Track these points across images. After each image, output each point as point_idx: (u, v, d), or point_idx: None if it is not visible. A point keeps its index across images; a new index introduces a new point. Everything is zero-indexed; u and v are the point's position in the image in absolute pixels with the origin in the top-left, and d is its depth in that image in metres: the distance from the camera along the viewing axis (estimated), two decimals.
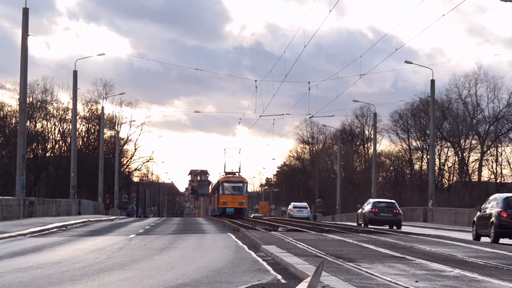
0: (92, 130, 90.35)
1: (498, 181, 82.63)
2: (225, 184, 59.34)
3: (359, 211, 43.60)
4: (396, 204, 42.40)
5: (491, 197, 26.30)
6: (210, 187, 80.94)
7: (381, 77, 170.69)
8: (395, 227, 39.59)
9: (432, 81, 53.11)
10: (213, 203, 68.10)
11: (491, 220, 24.82)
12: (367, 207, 42.22)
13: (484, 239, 25.74)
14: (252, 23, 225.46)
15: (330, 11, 31.07)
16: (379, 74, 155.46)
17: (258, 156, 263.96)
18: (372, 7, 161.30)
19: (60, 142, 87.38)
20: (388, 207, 41.52)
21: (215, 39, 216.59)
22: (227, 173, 62.58)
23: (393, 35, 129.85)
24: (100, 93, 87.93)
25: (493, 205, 25.34)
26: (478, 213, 26.62)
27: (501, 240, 24.88)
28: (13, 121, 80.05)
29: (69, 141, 79.47)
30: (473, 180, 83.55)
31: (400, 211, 41.69)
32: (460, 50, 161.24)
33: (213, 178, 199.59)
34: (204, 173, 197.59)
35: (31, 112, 79.94)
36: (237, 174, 62.31)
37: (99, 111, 79.99)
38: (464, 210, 48.63)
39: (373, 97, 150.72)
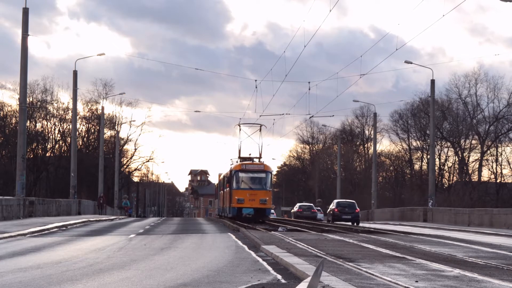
0: (92, 130, 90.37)
1: (498, 181, 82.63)
2: (241, 175, 42.09)
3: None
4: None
5: None
6: (217, 178, 60.26)
7: (383, 76, 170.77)
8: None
9: (432, 81, 53.11)
10: (223, 201, 49.86)
11: None
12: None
13: None
14: (253, 23, 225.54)
15: (330, 11, 31.06)
16: (381, 74, 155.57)
17: None
18: (373, 6, 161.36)
19: (60, 142, 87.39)
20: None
21: (216, 39, 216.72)
22: (243, 159, 45.36)
23: (394, 35, 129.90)
24: (100, 93, 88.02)
25: None
26: None
27: None
28: (13, 121, 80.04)
29: (69, 141, 79.49)
30: (473, 180, 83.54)
31: (358, 210, 52.11)
32: (461, 49, 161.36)
33: (213, 179, 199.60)
34: (204, 173, 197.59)
35: (31, 112, 79.94)
36: (256, 160, 45.07)
37: (99, 111, 80.00)
38: (464, 210, 48.60)
39: (374, 97, 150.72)
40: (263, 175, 42.07)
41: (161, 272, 13.49)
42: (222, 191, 51.54)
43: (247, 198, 41.54)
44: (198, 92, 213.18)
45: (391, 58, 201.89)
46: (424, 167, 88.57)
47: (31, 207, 39.51)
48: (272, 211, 68.86)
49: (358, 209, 52.24)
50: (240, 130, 47.83)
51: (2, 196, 37.92)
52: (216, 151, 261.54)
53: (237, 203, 41.54)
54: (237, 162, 45.00)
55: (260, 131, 47.61)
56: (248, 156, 46.30)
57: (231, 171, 43.06)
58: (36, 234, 26.05)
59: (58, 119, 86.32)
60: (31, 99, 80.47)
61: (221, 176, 53.84)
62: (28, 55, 39.00)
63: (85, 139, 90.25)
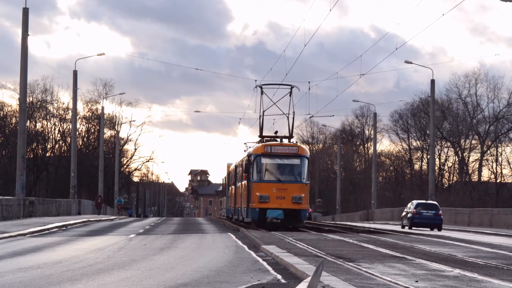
0: (92, 130, 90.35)
1: (498, 181, 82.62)
2: (265, 161, 30.87)
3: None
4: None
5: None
6: (226, 170, 47.49)
7: (384, 76, 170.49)
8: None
9: (432, 81, 53.08)
10: (234, 199, 38.55)
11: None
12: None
13: None
14: (254, 22, 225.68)
15: (330, 10, 31.00)
16: (382, 74, 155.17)
17: None
18: (373, 6, 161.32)
19: (60, 142, 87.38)
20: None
21: (217, 38, 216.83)
22: (265, 139, 33.68)
23: (394, 34, 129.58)
24: (100, 93, 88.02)
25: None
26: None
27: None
28: (13, 121, 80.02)
29: (69, 141, 79.45)
30: (473, 180, 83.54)
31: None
32: (462, 49, 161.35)
33: (213, 178, 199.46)
34: (204, 173, 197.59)
35: (31, 112, 79.93)
36: (286, 140, 33.14)
37: (99, 111, 79.97)
38: (464, 210, 48.61)
39: (375, 96, 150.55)
40: (297, 161, 30.57)
41: (161, 272, 13.49)
42: (233, 187, 39.69)
43: (274, 195, 29.92)
44: (199, 92, 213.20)
45: (392, 58, 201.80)
46: (424, 167, 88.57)
47: (31, 207, 39.51)
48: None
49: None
50: (262, 93, 34.47)
51: (2, 196, 37.93)
52: (216, 151, 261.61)
53: (259, 202, 29.94)
54: (257, 143, 33.08)
55: (290, 95, 34.19)
56: (274, 135, 33.94)
57: (249, 156, 31.38)
58: (36, 234, 26.05)
59: (58, 119, 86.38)
60: (31, 99, 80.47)
61: (231, 167, 42.45)
62: (28, 55, 39.02)
63: (85, 139, 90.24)
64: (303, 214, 30.78)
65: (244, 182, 32.34)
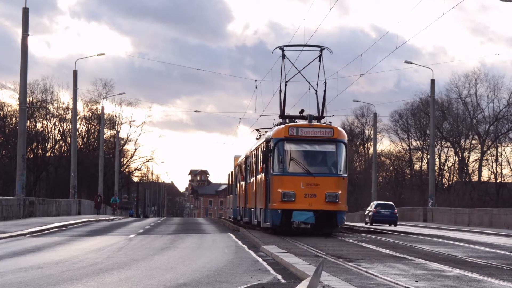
0: (92, 130, 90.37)
1: (498, 181, 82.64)
2: (289, 147, 24.55)
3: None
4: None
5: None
6: (233, 164, 41.28)
7: (384, 76, 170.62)
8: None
9: (432, 81, 53.11)
10: (245, 197, 32.42)
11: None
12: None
13: None
14: (254, 22, 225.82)
15: (330, 9, 30.98)
16: (382, 74, 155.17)
17: None
18: (374, 5, 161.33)
19: (60, 142, 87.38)
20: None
21: (217, 38, 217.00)
22: (290, 119, 26.89)
23: (395, 34, 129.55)
24: (100, 93, 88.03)
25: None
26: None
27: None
28: (13, 121, 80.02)
29: (69, 141, 79.45)
30: (473, 180, 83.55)
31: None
32: (463, 49, 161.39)
33: (214, 178, 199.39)
34: (204, 173, 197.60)
35: (31, 112, 79.92)
36: (314, 122, 25.52)
37: (99, 111, 79.98)
38: (464, 210, 48.61)
39: (375, 96, 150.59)
40: (331, 147, 24.39)
41: (161, 272, 13.48)
42: (242, 183, 33.98)
43: (301, 192, 23.65)
44: (199, 91, 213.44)
45: (393, 58, 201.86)
46: (424, 167, 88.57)
47: (31, 207, 39.51)
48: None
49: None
50: (283, 57, 27.63)
51: (2, 196, 37.93)
52: (216, 151, 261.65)
53: (282, 202, 23.66)
54: (279, 124, 25.96)
55: (320, 59, 27.24)
56: (299, 115, 27.11)
57: (267, 142, 24.89)
58: (36, 234, 26.05)
59: (58, 119, 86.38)
60: (31, 99, 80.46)
61: (240, 159, 36.43)
62: (28, 55, 39.00)
63: (85, 139, 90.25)
64: (340, 217, 24.21)
65: (261, 176, 25.88)
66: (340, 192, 23.88)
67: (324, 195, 23.74)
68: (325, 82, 27.19)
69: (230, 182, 45.32)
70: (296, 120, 26.60)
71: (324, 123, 25.87)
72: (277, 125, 26.24)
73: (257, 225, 27.69)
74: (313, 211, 23.63)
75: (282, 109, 27.12)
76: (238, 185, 37.01)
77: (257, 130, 33.20)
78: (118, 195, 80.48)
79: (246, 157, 32.27)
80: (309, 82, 27.76)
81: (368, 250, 18.82)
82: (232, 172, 42.75)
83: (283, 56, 27.65)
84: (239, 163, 36.55)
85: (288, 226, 24.20)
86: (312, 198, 23.69)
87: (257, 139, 31.00)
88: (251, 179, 29.64)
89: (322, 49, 27.40)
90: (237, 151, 41.38)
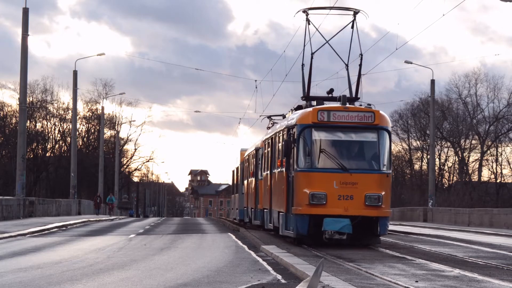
0: (92, 130, 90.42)
1: (498, 181, 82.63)
2: (319, 135, 19.74)
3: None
4: None
5: None
6: (239, 157, 37.13)
7: (384, 76, 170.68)
8: None
9: (432, 81, 53.10)
10: (255, 196, 28.38)
11: None
12: None
13: None
14: (255, 22, 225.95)
15: (330, 10, 30.96)
16: (383, 74, 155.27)
17: None
18: (374, 5, 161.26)
19: (60, 142, 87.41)
20: None
21: (217, 38, 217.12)
22: (318, 101, 21.43)
23: (395, 34, 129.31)
24: (100, 93, 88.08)
25: None
26: None
27: None
28: (13, 121, 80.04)
29: (69, 141, 79.46)
30: (473, 180, 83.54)
31: None
32: (463, 49, 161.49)
33: (214, 178, 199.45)
34: (204, 173, 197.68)
35: (31, 112, 79.95)
36: (347, 104, 20.33)
37: (99, 111, 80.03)
38: (464, 210, 48.59)
39: (376, 96, 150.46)
40: (372, 136, 19.77)
41: (161, 272, 13.49)
42: (251, 179, 30.08)
43: (335, 194, 19.03)
44: (200, 91, 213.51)
45: (393, 57, 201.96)
46: (424, 167, 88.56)
47: (31, 207, 39.52)
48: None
49: None
50: (308, 22, 22.78)
51: (2, 196, 37.95)
52: (216, 151, 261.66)
53: (310, 205, 18.97)
54: (303, 110, 20.60)
55: (353, 25, 22.52)
56: (328, 95, 22.00)
57: (289, 129, 20.29)
58: (36, 234, 26.05)
59: (58, 119, 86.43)
60: (31, 99, 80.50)
61: (248, 152, 32.41)
62: (28, 54, 39.04)
63: (85, 139, 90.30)
64: (383, 225, 19.43)
65: (279, 171, 21.46)
66: (383, 193, 19.15)
67: (363, 197, 19.02)
68: (361, 55, 22.13)
69: (235, 180, 40.37)
70: (324, 102, 21.14)
71: (361, 105, 20.93)
72: (294, 109, 21.92)
73: (273, 231, 23.58)
74: (350, 218, 18.78)
75: (307, 89, 21.94)
76: (245, 182, 33.10)
77: (268, 117, 28.98)
78: (118, 195, 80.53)
79: (257, 149, 28.33)
80: (339, 55, 23.06)
81: (368, 250, 18.80)
82: (237, 168, 38.38)
83: (307, 21, 22.70)
84: (247, 157, 32.64)
85: (317, 237, 19.09)
86: (349, 200, 19.02)
87: (269, 128, 27.54)
88: (264, 175, 24.90)
89: (355, 12, 22.47)
90: (237, 152, 37.61)
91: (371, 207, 19.01)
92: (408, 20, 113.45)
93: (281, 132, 21.55)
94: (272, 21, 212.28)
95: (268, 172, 23.56)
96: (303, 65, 22.55)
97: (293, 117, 20.49)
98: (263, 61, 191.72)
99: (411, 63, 55.55)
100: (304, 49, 22.44)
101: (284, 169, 20.38)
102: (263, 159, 25.61)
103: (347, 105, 20.11)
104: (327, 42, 22.84)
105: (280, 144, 21.49)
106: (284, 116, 24.65)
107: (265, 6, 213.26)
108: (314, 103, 21.21)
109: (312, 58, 22.24)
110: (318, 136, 19.55)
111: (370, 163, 19.53)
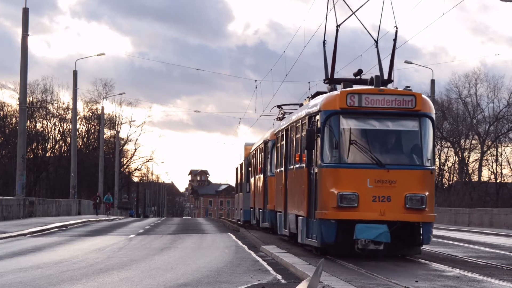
0: (92, 130, 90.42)
1: (498, 181, 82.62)
2: (349, 123, 16.12)
3: None
4: None
5: None
6: (244, 153, 33.46)
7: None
8: None
9: (432, 81, 53.14)
10: (264, 196, 26.25)
11: None
12: None
13: None
14: (255, 22, 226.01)
15: (330, 10, 30.95)
16: None
17: None
18: (374, 5, 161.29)
19: (60, 142, 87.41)
20: None
21: (217, 38, 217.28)
22: (345, 84, 16.96)
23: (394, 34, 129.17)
24: (100, 93, 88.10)
25: None
26: None
27: None
28: (13, 121, 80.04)
29: (69, 141, 79.45)
30: (473, 180, 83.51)
31: None
32: (463, 49, 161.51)
33: (213, 178, 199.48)
34: (204, 173, 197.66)
35: (31, 112, 79.95)
36: (381, 86, 16.53)
37: (99, 111, 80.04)
38: (464, 210, 48.62)
39: None
40: (413, 124, 16.35)
41: (161, 272, 13.48)
42: (260, 176, 27.48)
43: (368, 194, 15.72)
44: (200, 91, 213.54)
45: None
46: None
47: (31, 207, 39.52)
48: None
49: None
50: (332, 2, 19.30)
51: (2, 196, 37.96)
52: (216, 151, 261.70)
53: (338, 209, 15.62)
54: (328, 93, 17.21)
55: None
56: (355, 77, 18.81)
57: (311, 117, 16.97)
58: (36, 234, 26.04)
59: (58, 119, 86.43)
60: (31, 99, 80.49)
61: (256, 146, 29.58)
62: (28, 54, 39.07)
63: (85, 139, 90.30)
64: (427, 232, 16.14)
65: (297, 167, 18.19)
66: (427, 193, 15.71)
67: (403, 199, 15.62)
68: (396, 27, 18.74)
69: (239, 178, 36.46)
70: (352, 85, 17.02)
71: (398, 88, 17.33)
72: (311, 97, 18.79)
73: (288, 236, 20.15)
74: (387, 223, 15.41)
75: (331, 69, 18.44)
76: (252, 180, 30.04)
77: (278, 106, 26.15)
78: (118, 195, 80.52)
79: (265, 142, 25.88)
80: (367, 30, 19.81)
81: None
82: (241, 165, 34.73)
83: (333, 4, 19.29)
84: (254, 152, 29.58)
85: (346, 246, 15.81)
86: (385, 202, 15.60)
87: (279, 119, 25.01)
88: (277, 172, 22.08)
89: None
90: (240, 147, 34.63)
91: (413, 211, 15.65)
92: (408, 20, 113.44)
93: (300, 121, 18.06)
94: (272, 21, 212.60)
95: (282, 168, 20.45)
96: (324, 41, 19.19)
97: (315, 103, 16.85)
98: (263, 61, 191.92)
99: (411, 63, 55.60)
100: (326, 20, 19.00)
101: (304, 165, 17.02)
102: (276, 153, 22.44)
103: (381, 89, 16.46)
104: (353, 13, 19.18)
105: (298, 136, 18.30)
106: (300, 105, 21.27)
107: (265, 6, 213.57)
108: (339, 87, 17.39)
109: (337, 31, 18.62)
110: (348, 124, 16.12)
111: (411, 158, 16.14)
